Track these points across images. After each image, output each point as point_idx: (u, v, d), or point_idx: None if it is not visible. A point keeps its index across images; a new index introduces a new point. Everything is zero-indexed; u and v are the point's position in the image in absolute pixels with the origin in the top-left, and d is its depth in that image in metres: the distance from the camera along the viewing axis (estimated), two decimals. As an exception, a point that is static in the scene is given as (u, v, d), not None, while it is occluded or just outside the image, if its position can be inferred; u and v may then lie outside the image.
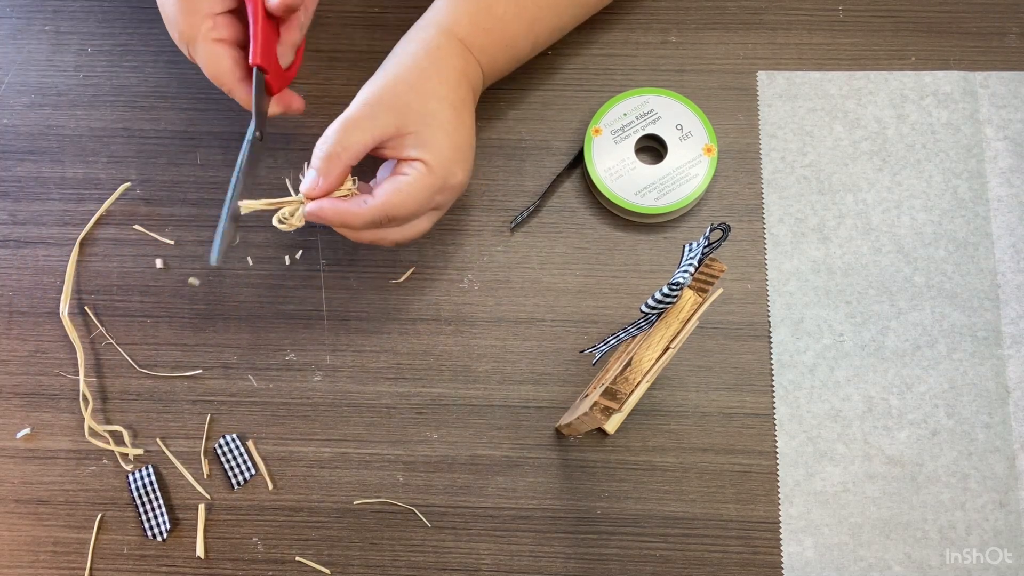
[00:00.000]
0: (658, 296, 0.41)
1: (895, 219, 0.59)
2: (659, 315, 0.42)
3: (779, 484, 0.55)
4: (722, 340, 0.57)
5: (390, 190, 0.50)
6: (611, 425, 0.56)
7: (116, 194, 0.60)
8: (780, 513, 0.55)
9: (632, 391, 0.41)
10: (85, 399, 0.57)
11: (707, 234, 0.41)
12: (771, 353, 0.57)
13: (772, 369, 0.57)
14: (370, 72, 0.63)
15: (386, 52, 0.63)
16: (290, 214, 0.50)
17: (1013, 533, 0.54)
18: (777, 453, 0.55)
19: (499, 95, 0.62)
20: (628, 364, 0.41)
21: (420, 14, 0.63)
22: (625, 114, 0.59)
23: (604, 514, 0.55)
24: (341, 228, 0.51)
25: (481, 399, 0.57)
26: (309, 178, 0.50)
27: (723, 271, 0.42)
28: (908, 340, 0.57)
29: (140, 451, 0.56)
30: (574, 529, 0.55)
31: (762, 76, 0.62)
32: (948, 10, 0.63)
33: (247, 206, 0.50)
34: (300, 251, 0.60)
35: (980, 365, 0.56)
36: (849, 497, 0.55)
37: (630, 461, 0.56)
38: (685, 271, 0.40)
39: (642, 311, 0.42)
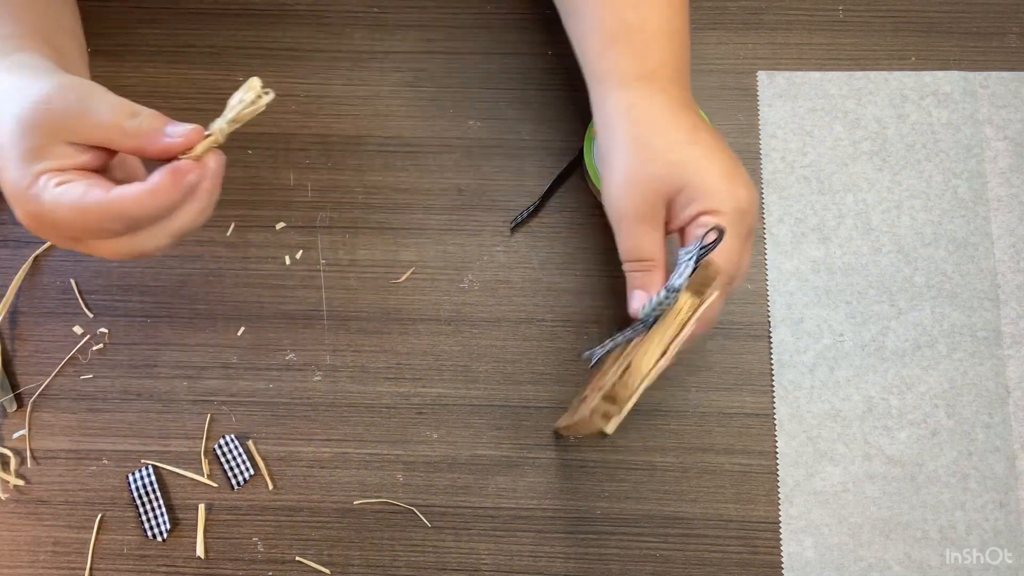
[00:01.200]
0: (655, 300, 0.41)
1: (895, 219, 0.59)
2: (656, 319, 0.42)
3: (779, 484, 0.55)
4: (722, 340, 0.57)
5: (715, 258, 0.44)
6: (609, 426, 0.56)
7: None
8: (780, 513, 0.55)
9: (632, 395, 0.41)
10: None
11: (702, 237, 0.41)
12: (771, 353, 0.57)
13: (772, 369, 0.57)
14: (370, 72, 0.63)
15: (386, 52, 0.63)
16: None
17: (1013, 533, 0.54)
18: (777, 453, 0.55)
19: (499, 95, 0.62)
20: (627, 368, 0.41)
21: (420, 14, 0.64)
22: None
23: (604, 514, 0.55)
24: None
25: (481, 399, 0.57)
26: (636, 300, 0.47)
27: (719, 273, 0.42)
28: (908, 340, 0.57)
29: (21, 482, 0.56)
30: (574, 529, 0.55)
31: (762, 76, 0.62)
32: (948, 10, 0.63)
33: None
34: (300, 251, 0.60)
35: (980, 365, 0.56)
36: (849, 497, 0.55)
37: (630, 461, 0.56)
38: (680, 275, 0.40)
39: (639, 315, 0.42)
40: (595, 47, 0.50)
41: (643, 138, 0.47)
